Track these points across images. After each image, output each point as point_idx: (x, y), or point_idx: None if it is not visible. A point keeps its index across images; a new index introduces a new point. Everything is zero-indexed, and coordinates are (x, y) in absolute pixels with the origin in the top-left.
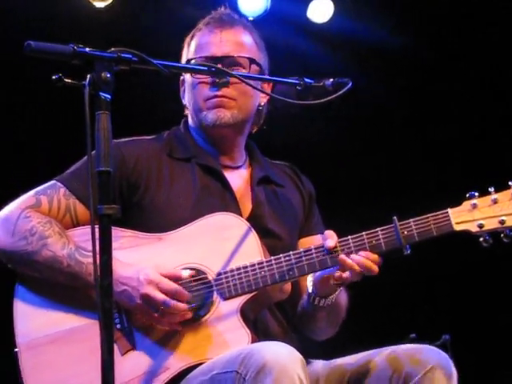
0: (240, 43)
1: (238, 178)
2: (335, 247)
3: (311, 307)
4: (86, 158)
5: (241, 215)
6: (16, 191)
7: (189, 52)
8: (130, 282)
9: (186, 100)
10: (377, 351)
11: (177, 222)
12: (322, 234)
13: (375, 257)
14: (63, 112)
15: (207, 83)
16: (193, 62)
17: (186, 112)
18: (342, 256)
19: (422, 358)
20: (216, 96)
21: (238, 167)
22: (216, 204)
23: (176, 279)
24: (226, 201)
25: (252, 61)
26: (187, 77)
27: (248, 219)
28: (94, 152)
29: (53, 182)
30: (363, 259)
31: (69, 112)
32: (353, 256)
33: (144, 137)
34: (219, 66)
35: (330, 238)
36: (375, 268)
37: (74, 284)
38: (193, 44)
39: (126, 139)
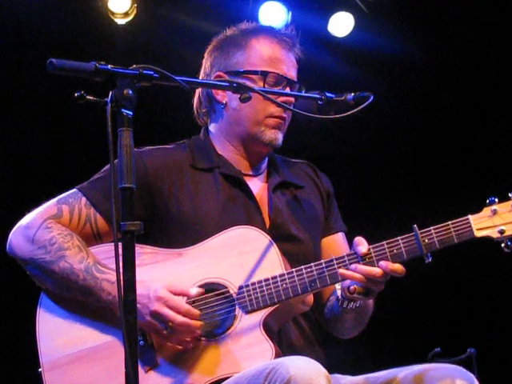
0: (296, 67)
1: (258, 186)
2: (367, 253)
3: (340, 310)
4: (107, 167)
5: (265, 225)
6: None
7: (249, 57)
8: (140, 300)
9: (237, 106)
10: (402, 370)
11: (205, 232)
12: (343, 232)
13: (398, 266)
14: (84, 127)
15: (240, 100)
16: (270, 75)
17: (204, 121)
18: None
19: (448, 379)
20: (281, 117)
21: (258, 174)
22: (241, 214)
23: (184, 295)
24: (250, 211)
25: (299, 86)
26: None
27: (270, 227)
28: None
29: (75, 190)
30: (384, 269)
31: (90, 127)
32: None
33: (165, 146)
34: (288, 88)
35: (361, 245)
36: (399, 275)
37: (85, 299)
38: (257, 51)
39: (148, 148)
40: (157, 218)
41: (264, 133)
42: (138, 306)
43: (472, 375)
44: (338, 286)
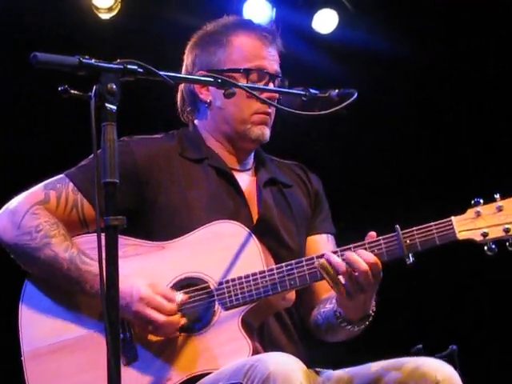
0: (279, 61)
1: (247, 181)
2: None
3: (334, 324)
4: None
5: (251, 219)
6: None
7: (229, 55)
8: (124, 297)
9: (221, 104)
10: (384, 363)
11: (191, 223)
12: (329, 234)
13: (369, 256)
14: (69, 122)
15: (224, 96)
16: (251, 73)
17: (188, 118)
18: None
19: (429, 372)
20: (266, 113)
21: (246, 170)
22: (227, 207)
23: (169, 300)
24: (238, 204)
25: (282, 80)
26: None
27: (257, 222)
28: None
29: (62, 176)
30: (351, 258)
31: (74, 122)
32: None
33: (153, 136)
34: (271, 84)
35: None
36: (362, 264)
37: (69, 288)
38: (237, 48)
39: (136, 137)
40: (144, 207)
41: (251, 130)
42: (121, 302)
43: (453, 370)
44: (334, 304)
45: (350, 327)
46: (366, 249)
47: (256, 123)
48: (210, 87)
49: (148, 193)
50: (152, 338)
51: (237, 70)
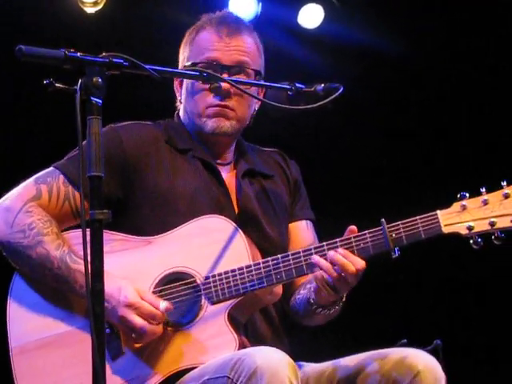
0: (246, 52)
1: (228, 174)
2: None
3: (309, 310)
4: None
5: (233, 210)
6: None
7: (191, 51)
8: (110, 300)
9: (184, 100)
10: (366, 355)
11: (180, 213)
12: (308, 220)
13: (352, 256)
14: (55, 115)
15: (209, 90)
16: (198, 66)
17: (178, 105)
18: (316, 257)
19: (410, 362)
20: (218, 105)
21: (226, 164)
22: (213, 198)
23: (155, 308)
24: (221, 196)
25: (257, 72)
26: (187, 79)
27: (239, 214)
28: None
29: (52, 168)
30: (337, 258)
31: (60, 116)
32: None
33: (142, 122)
34: (225, 75)
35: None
36: (351, 268)
37: (59, 287)
38: (196, 44)
39: (124, 123)
40: (132, 194)
41: (206, 123)
42: (107, 305)
43: (434, 359)
44: (309, 288)
45: (325, 311)
46: (351, 242)
47: (210, 116)
48: (184, 83)
49: (136, 179)
50: None
51: (186, 66)
